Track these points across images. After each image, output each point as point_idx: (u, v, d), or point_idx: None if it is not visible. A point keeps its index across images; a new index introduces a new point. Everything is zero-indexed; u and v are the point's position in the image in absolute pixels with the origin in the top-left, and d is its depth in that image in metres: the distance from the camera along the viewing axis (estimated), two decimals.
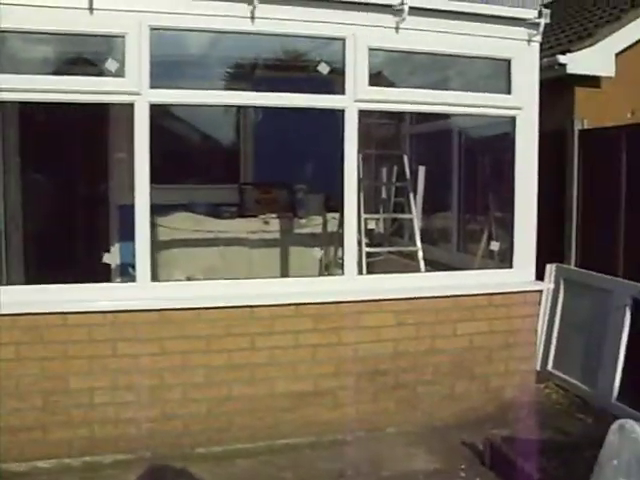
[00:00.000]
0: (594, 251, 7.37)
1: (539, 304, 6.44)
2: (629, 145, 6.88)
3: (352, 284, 5.49)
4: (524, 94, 5.86)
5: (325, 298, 5.38)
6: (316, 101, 5.50)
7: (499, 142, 7.05)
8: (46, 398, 4.91)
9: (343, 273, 5.55)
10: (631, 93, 7.74)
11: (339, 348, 5.44)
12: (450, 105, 5.87)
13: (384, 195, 8.76)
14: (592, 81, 7.83)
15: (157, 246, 6.77)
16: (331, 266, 7.29)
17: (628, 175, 6.85)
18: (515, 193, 5.95)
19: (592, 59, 7.82)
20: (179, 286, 5.62)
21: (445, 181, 8.14)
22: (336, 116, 5.48)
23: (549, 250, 6.69)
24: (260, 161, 9.12)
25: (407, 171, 7.64)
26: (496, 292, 5.82)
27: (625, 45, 7.97)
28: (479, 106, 5.86)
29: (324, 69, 5.57)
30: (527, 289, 5.98)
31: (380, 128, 8.50)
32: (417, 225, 7.25)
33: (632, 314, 5.98)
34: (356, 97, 5.39)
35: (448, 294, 5.67)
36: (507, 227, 6.19)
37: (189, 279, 6.33)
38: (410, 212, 7.42)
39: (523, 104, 5.86)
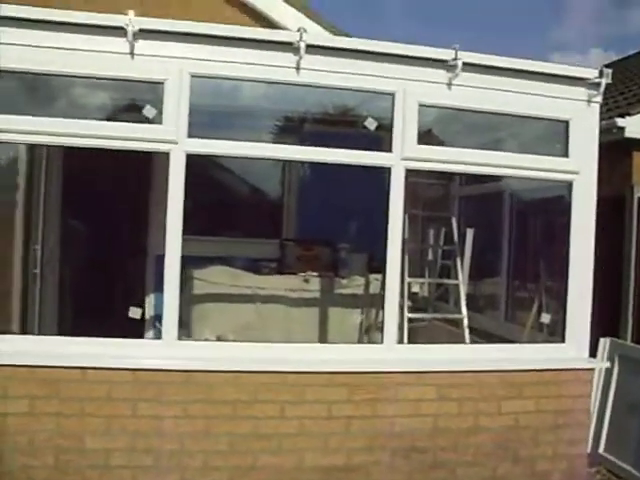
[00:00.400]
0: None
1: (592, 382, 5.98)
2: None
3: (391, 354, 5.15)
4: (582, 157, 5.51)
5: (362, 367, 5.04)
6: (361, 158, 5.22)
7: (553, 206, 6.73)
8: (59, 456, 4.65)
9: (382, 339, 5.21)
10: None
11: (374, 421, 5.07)
12: (503, 167, 5.54)
13: (430, 257, 8.47)
14: None
15: (190, 300, 6.59)
16: (371, 329, 6.99)
17: None
18: (570, 261, 5.54)
19: None
20: (207, 346, 5.33)
21: (494, 245, 7.80)
22: (382, 174, 5.19)
23: (603, 323, 6.27)
24: (303, 217, 8.92)
25: (455, 234, 7.37)
26: (546, 368, 5.38)
27: None
28: (534, 169, 5.51)
29: (371, 124, 5.30)
30: (580, 367, 5.51)
31: (428, 188, 8.23)
32: (463, 291, 6.93)
33: None
34: (404, 155, 5.11)
35: (494, 368, 5.28)
36: (559, 298, 5.76)
37: (219, 338, 6.09)
38: (456, 277, 7.12)
39: (581, 168, 5.51)
